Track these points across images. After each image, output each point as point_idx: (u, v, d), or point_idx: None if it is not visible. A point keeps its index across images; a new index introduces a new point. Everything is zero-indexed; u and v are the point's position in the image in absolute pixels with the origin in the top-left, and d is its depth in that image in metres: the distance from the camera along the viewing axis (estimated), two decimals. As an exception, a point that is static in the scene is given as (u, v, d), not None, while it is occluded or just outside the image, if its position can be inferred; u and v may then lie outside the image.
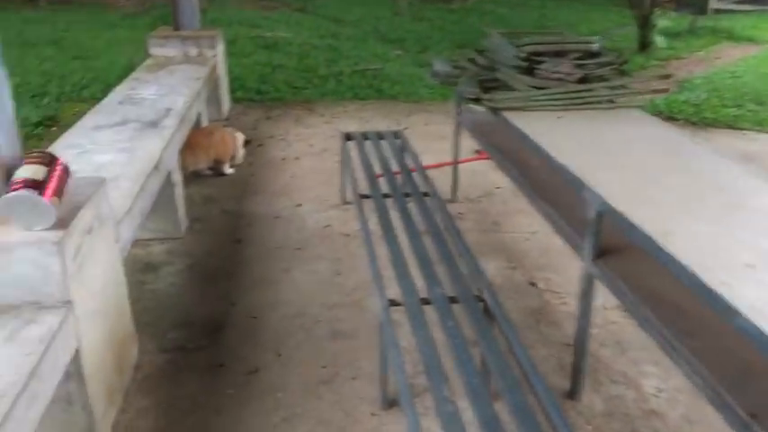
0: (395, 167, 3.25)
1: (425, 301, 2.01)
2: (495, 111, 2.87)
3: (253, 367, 2.27)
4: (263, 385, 2.18)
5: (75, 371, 1.68)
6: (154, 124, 3.16)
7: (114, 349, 1.98)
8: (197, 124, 4.00)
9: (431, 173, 3.21)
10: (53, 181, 1.63)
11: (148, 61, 4.76)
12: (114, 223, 2.04)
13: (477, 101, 2.85)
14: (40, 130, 4.92)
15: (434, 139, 5.03)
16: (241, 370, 2.25)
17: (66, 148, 2.78)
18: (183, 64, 4.62)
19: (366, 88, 6.55)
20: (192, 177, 3.82)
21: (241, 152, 4.16)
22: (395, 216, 2.65)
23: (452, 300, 2.03)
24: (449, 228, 2.57)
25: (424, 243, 2.42)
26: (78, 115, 5.33)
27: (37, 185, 1.58)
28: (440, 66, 3.50)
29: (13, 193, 1.56)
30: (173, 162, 3.09)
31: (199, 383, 2.17)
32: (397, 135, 3.67)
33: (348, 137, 3.64)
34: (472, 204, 3.86)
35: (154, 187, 2.63)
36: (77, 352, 1.68)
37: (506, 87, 3.05)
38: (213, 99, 4.97)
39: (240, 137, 4.15)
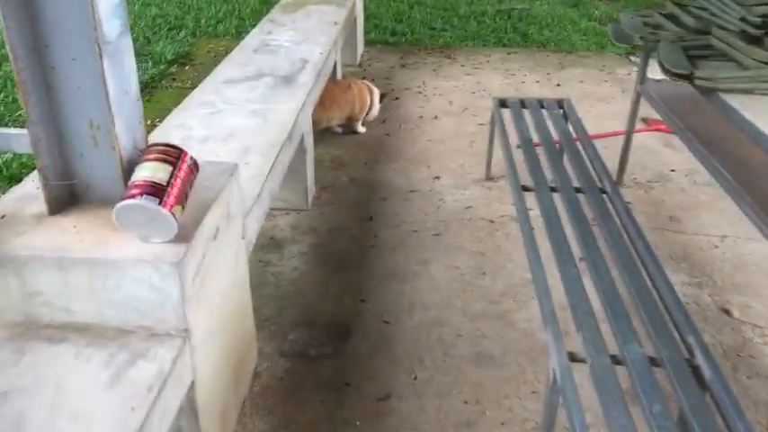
0: (557, 147, 2.70)
1: (616, 360, 1.55)
2: (709, 91, 2.21)
3: (384, 392, 1.94)
4: (396, 419, 1.85)
5: (187, 405, 1.42)
6: (288, 80, 2.81)
7: (233, 365, 1.72)
8: (332, 75, 3.62)
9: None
10: (176, 185, 1.32)
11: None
12: (243, 217, 1.73)
13: (687, 77, 2.19)
14: (174, 68, 4.79)
15: (593, 101, 4.34)
16: (370, 393, 1.93)
17: (197, 106, 2.52)
18: (321, 4, 4.22)
19: (511, 32, 5.86)
20: (319, 135, 3.48)
21: (376, 109, 3.75)
22: (560, 207, 2.18)
23: (653, 361, 1.55)
24: (629, 229, 2.05)
25: (602, 256, 1.92)
26: (212, 53, 5.19)
27: (158, 191, 1.28)
28: (628, 23, 2.82)
29: (130, 201, 1.27)
30: (306, 125, 2.75)
31: (321, 407, 1.88)
32: (560, 104, 3.08)
33: (502, 103, 3.10)
34: (642, 191, 3.23)
35: (285, 160, 2.31)
36: (192, 384, 1.41)
37: (722, 57, 2.36)
38: (348, 42, 4.55)
39: (377, 92, 3.73)
